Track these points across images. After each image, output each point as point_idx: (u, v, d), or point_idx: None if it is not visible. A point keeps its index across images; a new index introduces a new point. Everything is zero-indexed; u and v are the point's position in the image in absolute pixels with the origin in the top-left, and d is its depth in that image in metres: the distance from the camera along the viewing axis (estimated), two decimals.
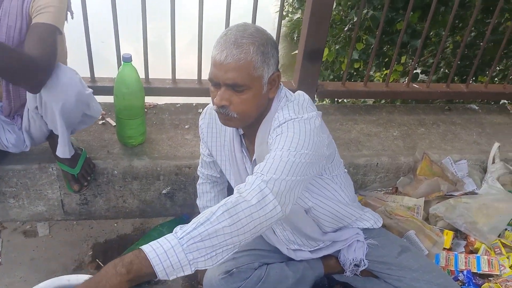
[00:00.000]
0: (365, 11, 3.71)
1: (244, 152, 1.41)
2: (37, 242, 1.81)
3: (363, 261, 1.56)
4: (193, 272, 0.95)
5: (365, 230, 1.60)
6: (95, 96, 1.67)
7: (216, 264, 0.98)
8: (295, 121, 1.20)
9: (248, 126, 1.32)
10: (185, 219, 1.92)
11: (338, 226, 1.56)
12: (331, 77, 4.60)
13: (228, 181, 1.64)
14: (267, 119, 1.29)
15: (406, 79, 4.02)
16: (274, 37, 1.29)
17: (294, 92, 1.34)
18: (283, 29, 8.84)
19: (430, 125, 2.30)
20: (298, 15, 4.48)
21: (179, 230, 0.96)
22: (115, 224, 1.93)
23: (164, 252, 0.92)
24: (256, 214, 1.00)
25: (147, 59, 2.00)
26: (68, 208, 1.89)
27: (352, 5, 3.97)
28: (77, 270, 1.71)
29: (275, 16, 8.40)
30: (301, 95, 1.32)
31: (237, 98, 1.18)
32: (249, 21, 1.58)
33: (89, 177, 1.75)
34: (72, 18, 1.58)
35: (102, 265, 1.73)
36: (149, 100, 2.17)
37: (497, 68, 4.19)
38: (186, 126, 2.07)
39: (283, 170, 1.09)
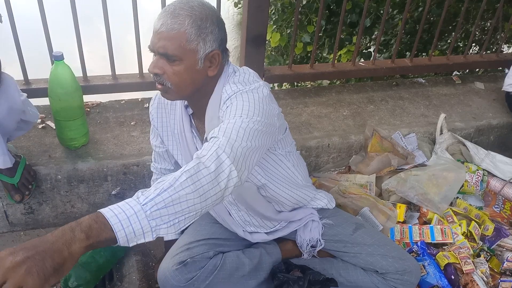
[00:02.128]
0: None
1: (194, 132, 1.39)
2: None
3: (320, 241, 1.56)
4: (153, 239, 0.90)
5: (319, 211, 1.60)
6: (31, 100, 1.60)
7: (177, 231, 0.94)
8: (243, 92, 1.21)
9: (196, 103, 1.32)
10: None
11: (292, 206, 1.56)
12: (287, 61, 4.60)
13: None
14: (215, 95, 1.28)
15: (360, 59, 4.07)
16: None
17: None
18: (237, 17, 8.75)
19: (378, 102, 2.32)
20: None
21: (141, 195, 0.91)
22: None
23: (127, 218, 0.87)
24: (215, 181, 0.98)
25: (82, 56, 1.92)
26: (13, 218, 1.79)
27: None
28: None
29: (229, 5, 8.30)
30: (246, 70, 1.33)
31: (169, 68, 1.18)
32: None
33: (31, 185, 1.67)
34: (1, 21, 1.50)
35: None
36: (92, 98, 2.09)
37: (448, 41, 4.29)
38: (132, 123, 2.00)
39: (237, 135, 1.08)
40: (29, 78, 1.92)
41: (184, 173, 0.95)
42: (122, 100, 2.13)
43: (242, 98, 1.19)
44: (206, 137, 1.34)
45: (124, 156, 1.82)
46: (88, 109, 2.03)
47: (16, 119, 1.48)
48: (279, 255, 1.62)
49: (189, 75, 1.20)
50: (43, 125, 1.93)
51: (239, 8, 7.38)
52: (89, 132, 1.85)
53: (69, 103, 1.65)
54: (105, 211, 0.87)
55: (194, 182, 0.94)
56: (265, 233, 1.59)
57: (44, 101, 1.88)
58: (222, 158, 1.01)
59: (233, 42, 8.22)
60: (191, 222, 0.96)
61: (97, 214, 0.87)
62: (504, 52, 2.83)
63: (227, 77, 1.28)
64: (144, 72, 2.01)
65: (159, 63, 1.18)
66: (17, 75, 1.75)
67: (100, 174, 1.78)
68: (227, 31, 1.25)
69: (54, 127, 1.88)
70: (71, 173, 1.75)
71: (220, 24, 1.22)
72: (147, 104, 2.11)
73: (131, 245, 0.88)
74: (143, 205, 0.89)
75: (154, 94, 2.13)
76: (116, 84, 1.98)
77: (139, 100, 2.15)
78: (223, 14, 1.92)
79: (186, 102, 1.36)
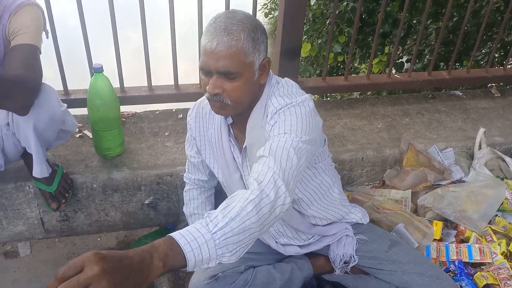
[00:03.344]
0: (345, 3, 3.69)
1: (232, 140, 1.39)
2: (18, 263, 1.76)
3: (353, 256, 1.53)
4: (215, 265, 0.91)
5: (353, 226, 1.57)
6: (70, 109, 1.64)
7: (237, 259, 0.94)
8: (290, 107, 1.22)
9: (239, 113, 1.31)
10: (170, 229, 1.88)
11: (326, 221, 1.53)
12: (318, 71, 4.58)
13: (216, 185, 1.64)
14: (259, 105, 1.28)
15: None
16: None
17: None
18: (267, 27, 8.81)
19: (414, 115, 2.27)
20: None
21: (210, 222, 0.91)
22: (99, 239, 1.88)
23: (199, 247, 0.86)
24: (272, 209, 0.98)
25: (120, 67, 1.96)
26: (48, 225, 1.84)
27: None
28: None
29: (259, 15, 8.37)
30: (289, 81, 1.34)
31: (229, 85, 1.17)
32: None
33: (67, 194, 1.71)
34: (48, 37, 1.57)
35: None
36: (127, 109, 2.13)
37: (482, 51, 4.17)
38: (166, 133, 2.02)
39: (288, 156, 1.08)
40: (68, 89, 1.97)
41: (250, 203, 0.95)
42: (156, 110, 2.16)
43: (290, 113, 1.20)
44: (245, 146, 1.34)
45: (158, 166, 1.84)
46: (124, 119, 2.07)
47: (56, 129, 1.52)
48: (311, 270, 1.60)
49: (248, 88, 1.21)
50: (80, 134, 1.97)
51: (269, 18, 7.44)
52: (124, 142, 1.88)
53: (107, 114, 1.69)
54: (178, 238, 0.87)
55: (257, 211, 0.95)
56: (298, 246, 1.57)
57: (82, 111, 1.93)
58: (279, 184, 1.01)
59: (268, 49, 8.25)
60: (246, 250, 0.96)
61: (171, 241, 0.86)
62: None
63: (271, 87, 1.29)
64: (179, 83, 2.03)
65: (218, 82, 1.17)
66: (57, 86, 1.80)
67: (134, 184, 1.81)
68: None
69: (91, 137, 1.93)
70: (106, 182, 1.78)
71: (265, 32, 1.24)
72: (181, 115, 2.14)
73: (194, 269, 0.89)
74: (213, 233, 0.89)
75: (187, 105, 2.18)
76: (152, 95, 2.01)
77: (173, 110, 2.17)
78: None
79: None
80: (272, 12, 6.97)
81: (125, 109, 2.11)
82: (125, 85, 2.03)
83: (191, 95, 2.03)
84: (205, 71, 1.18)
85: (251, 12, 1.90)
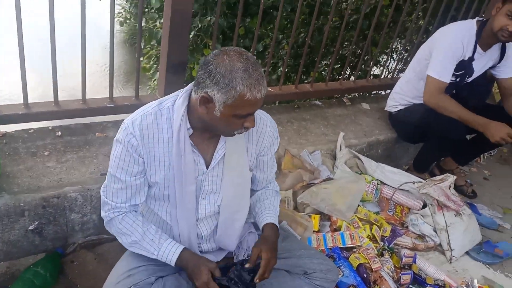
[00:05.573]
0: (209, 18, 3.88)
1: (196, 151, 1.41)
2: None
3: None
4: None
5: (254, 224, 1.72)
6: None
7: None
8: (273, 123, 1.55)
9: None
10: (60, 254, 1.78)
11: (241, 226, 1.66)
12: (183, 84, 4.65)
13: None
14: None
15: None
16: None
17: None
18: (121, 35, 8.61)
19: (285, 123, 2.54)
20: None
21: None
22: None
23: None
24: None
25: None
26: None
27: (195, 13, 4.08)
28: None
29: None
30: None
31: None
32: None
33: None
34: None
35: None
36: None
37: (322, 62, 4.78)
38: (45, 153, 1.90)
39: None
40: None
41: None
42: (30, 129, 2.00)
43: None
44: (224, 154, 1.43)
45: (42, 188, 1.72)
46: None
47: None
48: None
49: None
50: None
51: (124, 26, 7.27)
52: (0, 165, 1.72)
53: None
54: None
55: None
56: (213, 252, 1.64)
57: None
58: None
59: (119, 58, 8.10)
60: None
61: None
62: (384, 78, 3.29)
63: None
64: (59, 99, 1.93)
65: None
66: None
67: (16, 210, 1.67)
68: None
69: None
70: None
71: None
72: (59, 133, 2.02)
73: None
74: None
75: (67, 122, 2.07)
76: (29, 113, 1.86)
77: (50, 128, 2.04)
78: (106, 31, 1.92)
79: (189, 124, 1.36)
80: (128, 21, 6.81)
81: None
82: None
83: (73, 112, 1.95)
84: (245, 115, 1.29)
85: (108, 21, 1.93)
